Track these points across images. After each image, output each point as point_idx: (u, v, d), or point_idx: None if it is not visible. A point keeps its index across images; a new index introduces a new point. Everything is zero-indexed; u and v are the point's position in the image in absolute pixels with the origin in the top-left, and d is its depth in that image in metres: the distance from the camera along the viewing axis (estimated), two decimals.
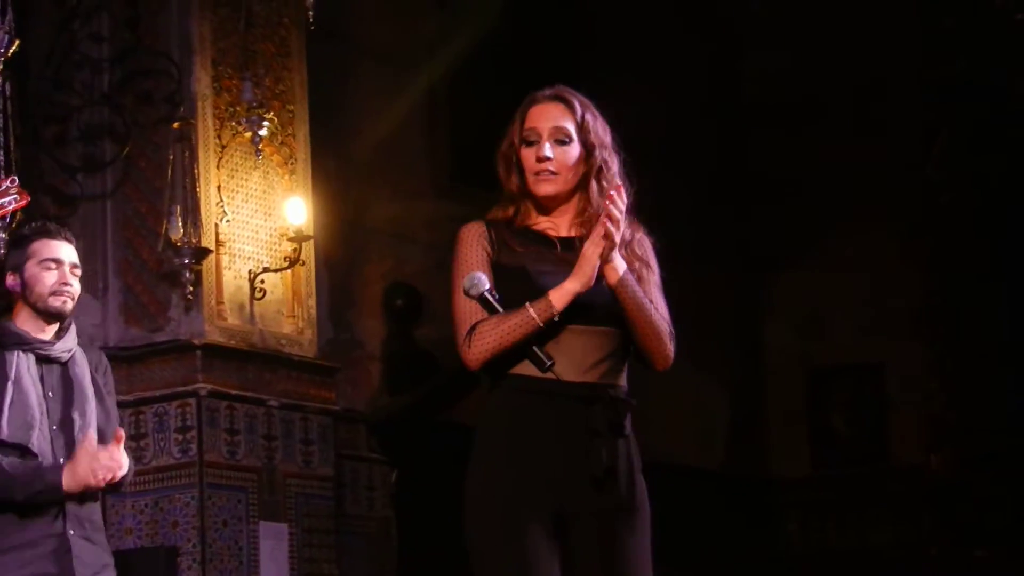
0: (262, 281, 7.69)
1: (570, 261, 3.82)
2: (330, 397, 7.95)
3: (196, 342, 7.43)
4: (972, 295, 10.36)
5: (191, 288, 7.41)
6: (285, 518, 7.61)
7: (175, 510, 7.34)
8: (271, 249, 7.78)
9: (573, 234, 3.93)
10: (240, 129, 7.70)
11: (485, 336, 3.76)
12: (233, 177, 7.73)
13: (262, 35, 7.98)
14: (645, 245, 3.97)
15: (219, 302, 7.55)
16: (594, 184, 3.91)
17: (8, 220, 6.78)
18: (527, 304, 3.74)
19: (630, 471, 3.83)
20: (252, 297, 7.67)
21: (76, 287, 4.85)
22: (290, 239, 7.73)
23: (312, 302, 7.94)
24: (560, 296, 3.74)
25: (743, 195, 11.45)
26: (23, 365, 4.70)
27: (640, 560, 3.83)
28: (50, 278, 4.80)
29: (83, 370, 4.81)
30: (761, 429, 11.29)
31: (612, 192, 3.76)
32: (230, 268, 7.62)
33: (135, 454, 7.30)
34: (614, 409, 3.80)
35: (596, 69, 10.42)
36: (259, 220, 7.78)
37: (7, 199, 4.89)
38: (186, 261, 7.38)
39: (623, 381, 3.88)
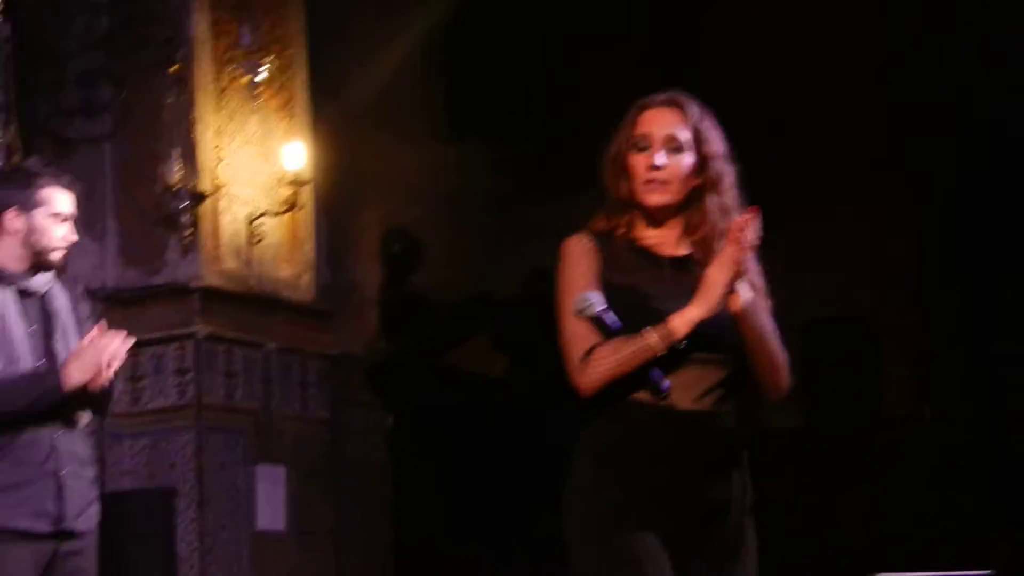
0: (260, 225, 7.68)
1: (682, 282, 3.61)
2: (327, 341, 7.96)
3: (193, 285, 7.43)
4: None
5: (189, 232, 7.41)
6: (282, 461, 7.64)
7: (173, 452, 7.36)
8: (269, 193, 7.77)
9: (683, 251, 3.70)
10: (238, 73, 7.69)
11: (602, 362, 3.54)
12: (231, 121, 7.72)
13: None
14: (754, 269, 3.69)
15: (216, 246, 7.56)
16: (710, 198, 3.68)
17: None
18: (647, 330, 3.52)
19: (741, 508, 3.66)
20: (250, 241, 7.67)
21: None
22: (288, 183, 7.72)
23: (310, 247, 7.95)
24: (683, 323, 3.52)
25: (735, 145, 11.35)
26: (5, 300, 4.68)
27: None
28: (59, 232, 4.76)
29: (62, 303, 4.78)
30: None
31: (747, 215, 3.54)
32: (228, 212, 7.62)
33: (132, 396, 7.32)
34: (729, 439, 3.63)
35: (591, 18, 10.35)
36: (257, 164, 7.78)
37: None
38: (183, 205, 7.38)
39: (734, 410, 3.67)
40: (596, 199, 3.79)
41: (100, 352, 4.53)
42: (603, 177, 3.74)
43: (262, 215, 7.70)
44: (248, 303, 7.62)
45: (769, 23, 10.05)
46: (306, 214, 7.90)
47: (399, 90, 9.14)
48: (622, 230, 3.70)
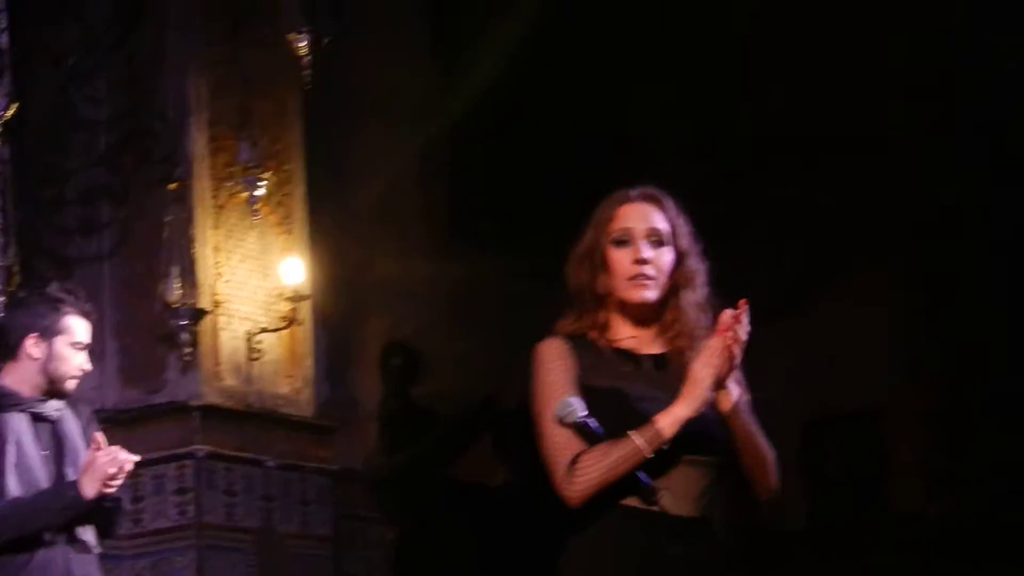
0: (259, 341, 7.69)
1: (663, 382, 3.53)
2: (328, 456, 7.95)
3: (194, 404, 7.44)
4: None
5: (188, 349, 7.42)
6: None
7: (173, 573, 7.34)
8: (268, 309, 7.79)
9: (660, 350, 3.62)
10: (237, 189, 7.72)
11: (589, 471, 3.42)
12: (230, 237, 7.75)
13: (259, 94, 8.00)
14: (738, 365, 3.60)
15: (216, 363, 7.56)
16: (685, 295, 3.61)
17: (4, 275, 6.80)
18: (633, 433, 3.42)
19: None
20: (249, 358, 7.68)
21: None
22: (288, 299, 7.73)
23: (309, 362, 7.95)
24: (670, 423, 3.42)
25: (739, 241, 11.36)
26: (21, 426, 4.72)
27: None
28: (77, 360, 4.81)
29: (72, 427, 4.83)
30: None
31: (737, 309, 3.47)
32: (227, 329, 7.63)
33: (133, 517, 7.30)
34: (724, 544, 3.55)
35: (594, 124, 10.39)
36: (256, 280, 7.80)
37: None
38: (183, 323, 7.39)
39: (727, 511, 3.61)
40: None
41: (109, 462, 4.58)
42: (573, 275, 3.66)
43: (261, 331, 7.71)
44: (248, 420, 7.63)
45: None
46: (305, 329, 7.91)
47: (399, 202, 9.17)
48: (596, 331, 3.62)
